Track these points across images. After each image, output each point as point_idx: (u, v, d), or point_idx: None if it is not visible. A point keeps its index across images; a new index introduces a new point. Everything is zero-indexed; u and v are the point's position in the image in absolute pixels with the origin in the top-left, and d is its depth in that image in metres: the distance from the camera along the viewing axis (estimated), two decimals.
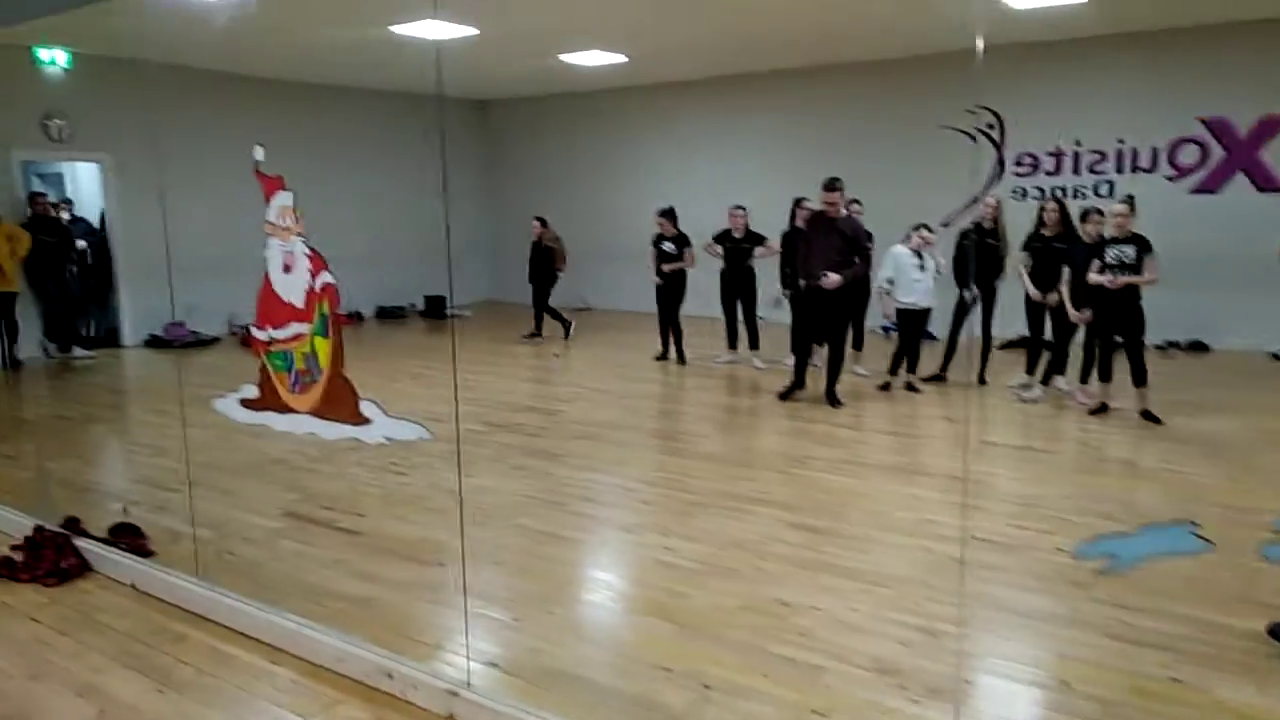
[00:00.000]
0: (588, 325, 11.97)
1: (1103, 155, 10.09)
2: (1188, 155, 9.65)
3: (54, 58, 9.64)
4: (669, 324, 9.22)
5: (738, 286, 8.82)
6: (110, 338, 10.48)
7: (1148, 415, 6.51)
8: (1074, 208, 7.59)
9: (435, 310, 13.05)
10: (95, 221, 10.93)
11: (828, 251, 7.00)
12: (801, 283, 7.26)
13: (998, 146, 10.65)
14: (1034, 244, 7.37)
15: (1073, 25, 9.11)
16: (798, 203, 8.23)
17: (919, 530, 4.40)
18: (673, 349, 9.22)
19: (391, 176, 13.06)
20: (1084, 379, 7.11)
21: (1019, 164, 10.55)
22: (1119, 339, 6.64)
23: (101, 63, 9.91)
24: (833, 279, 6.93)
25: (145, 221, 10.18)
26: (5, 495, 5.02)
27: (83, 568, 4.19)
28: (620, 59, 10.41)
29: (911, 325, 7.71)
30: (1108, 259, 6.56)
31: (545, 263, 10.83)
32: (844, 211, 7.07)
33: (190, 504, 4.41)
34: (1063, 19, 8.71)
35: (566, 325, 10.88)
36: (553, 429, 6.65)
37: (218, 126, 10.84)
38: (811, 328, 7.37)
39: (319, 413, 3.20)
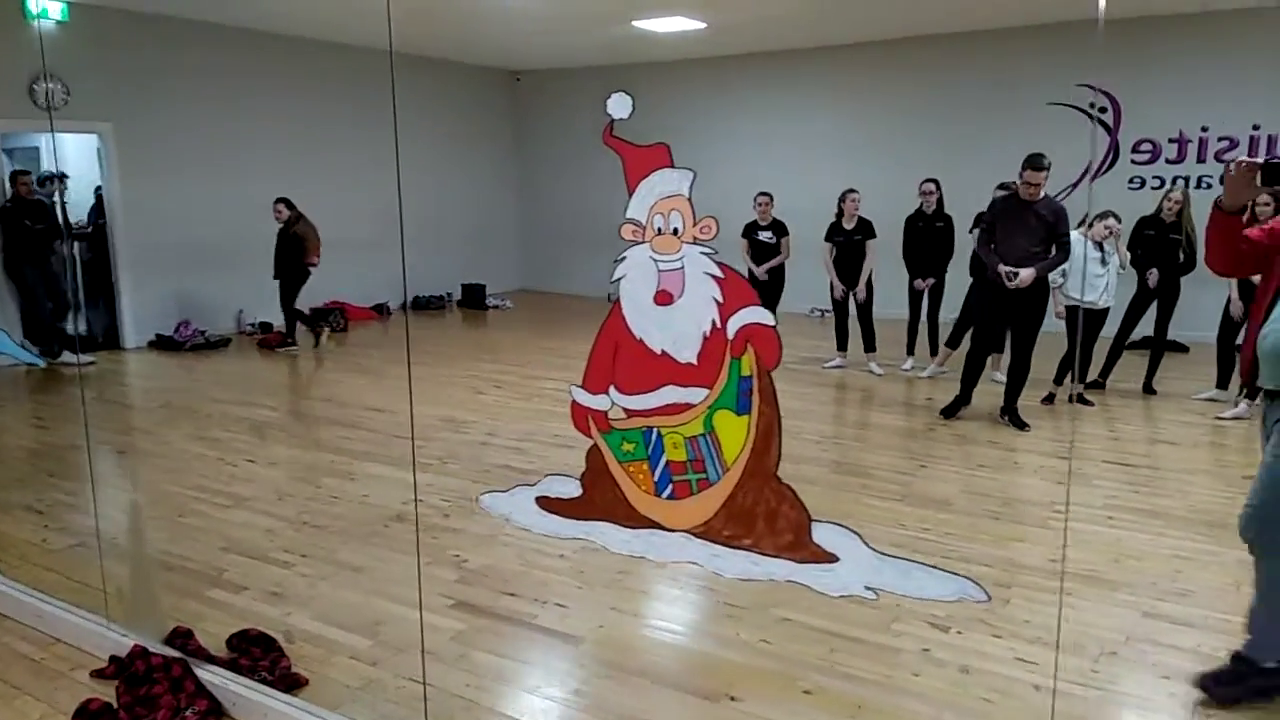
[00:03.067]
0: None
1: (1233, 142, 9.14)
2: None
3: (45, 8, 8.04)
4: None
5: (849, 281, 7.69)
6: (110, 338, 8.95)
7: None
8: (1202, 200, 6.65)
9: (473, 300, 11.70)
10: (85, 203, 9.39)
11: (1024, 241, 5.89)
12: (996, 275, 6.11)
13: (1110, 131, 9.65)
14: (1146, 232, 6.92)
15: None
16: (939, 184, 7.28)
17: None
18: None
19: (426, 154, 11.66)
20: None
21: (1136, 150, 9.56)
22: None
23: (101, 14, 8.35)
24: (1026, 274, 5.82)
25: (150, 203, 8.70)
26: (46, 577, 3.69)
27: (214, 712, 2.89)
28: (699, 25, 9.13)
29: (1088, 328, 6.68)
30: None
31: (293, 254, 8.84)
32: (1043, 194, 5.94)
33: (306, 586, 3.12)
34: None
35: (316, 334, 9.18)
36: None
37: (230, 91, 9.36)
38: (995, 331, 6.26)
39: (715, 533, 1.96)
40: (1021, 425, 6.11)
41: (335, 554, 4.10)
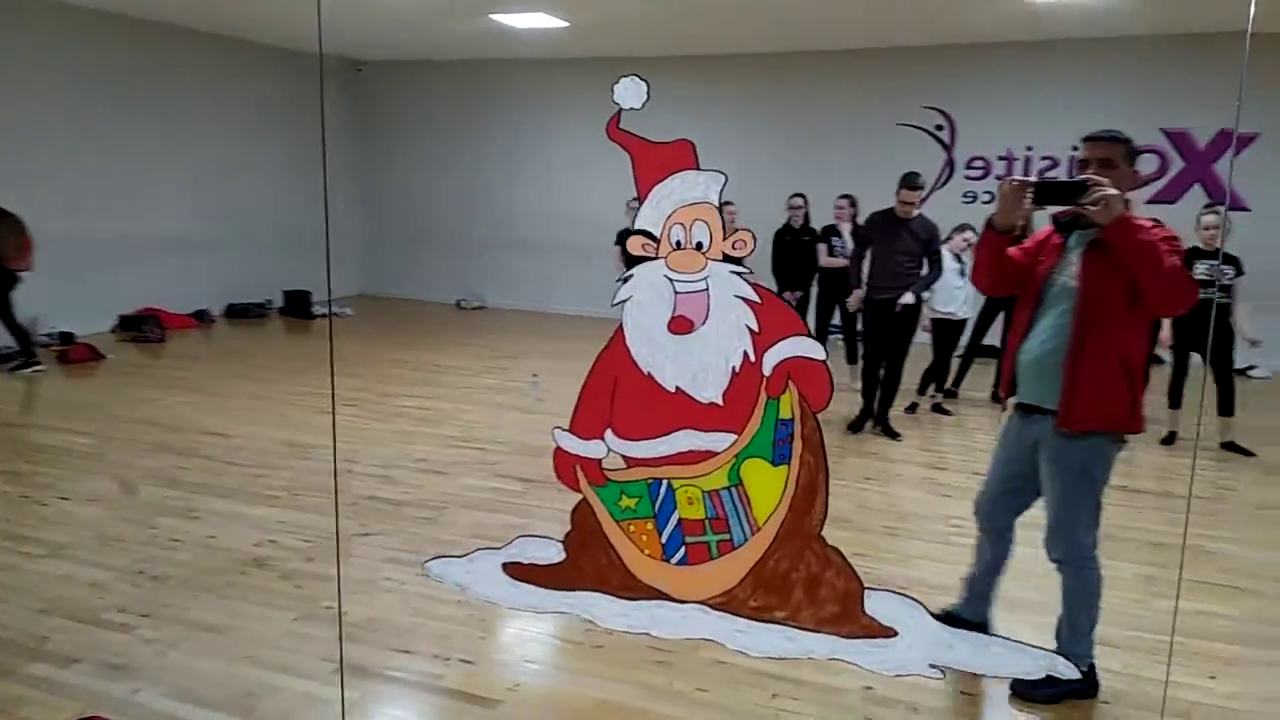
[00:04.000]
0: (512, 328, 10.27)
1: (1055, 162, 9.73)
2: (1146, 165, 9.43)
3: None
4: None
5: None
6: None
7: (1233, 447, 6.01)
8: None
9: (298, 308, 10.78)
10: None
11: (900, 258, 5.96)
12: (861, 295, 6.18)
13: (947, 148, 10.07)
14: None
15: (1028, 29, 8.68)
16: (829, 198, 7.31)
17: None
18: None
19: (245, 146, 10.71)
20: None
21: (970, 166, 10.00)
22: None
23: None
24: (907, 298, 5.93)
25: None
26: None
27: None
28: (561, 24, 8.78)
29: (947, 337, 6.91)
30: (1199, 274, 6.02)
31: None
32: (916, 211, 6.01)
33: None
34: (1015, 21, 8.21)
35: (27, 349, 7.42)
36: None
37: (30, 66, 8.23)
38: (880, 345, 6.29)
39: (739, 604, 1.65)
40: (894, 435, 6.17)
41: (185, 611, 3.49)
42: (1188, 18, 8.22)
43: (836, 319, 7.31)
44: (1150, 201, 9.34)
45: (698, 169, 1.60)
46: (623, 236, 7.64)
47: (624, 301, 1.63)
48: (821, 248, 7.26)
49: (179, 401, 6.64)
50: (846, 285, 6.52)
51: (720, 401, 1.59)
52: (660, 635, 1.72)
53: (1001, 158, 9.92)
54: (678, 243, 1.58)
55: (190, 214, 9.94)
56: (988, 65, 9.66)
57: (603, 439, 1.71)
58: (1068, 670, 1.49)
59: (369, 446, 5.68)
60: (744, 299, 1.56)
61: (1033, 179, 2.44)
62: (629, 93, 1.58)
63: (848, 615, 1.56)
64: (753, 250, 1.55)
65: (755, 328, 1.56)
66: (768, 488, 1.59)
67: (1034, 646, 1.52)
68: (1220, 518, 4.89)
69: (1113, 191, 2.34)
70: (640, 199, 1.58)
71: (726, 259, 1.57)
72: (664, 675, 3.10)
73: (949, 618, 2.75)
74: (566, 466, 1.74)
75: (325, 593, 3.67)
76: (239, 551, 4.05)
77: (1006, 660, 1.52)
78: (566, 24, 8.71)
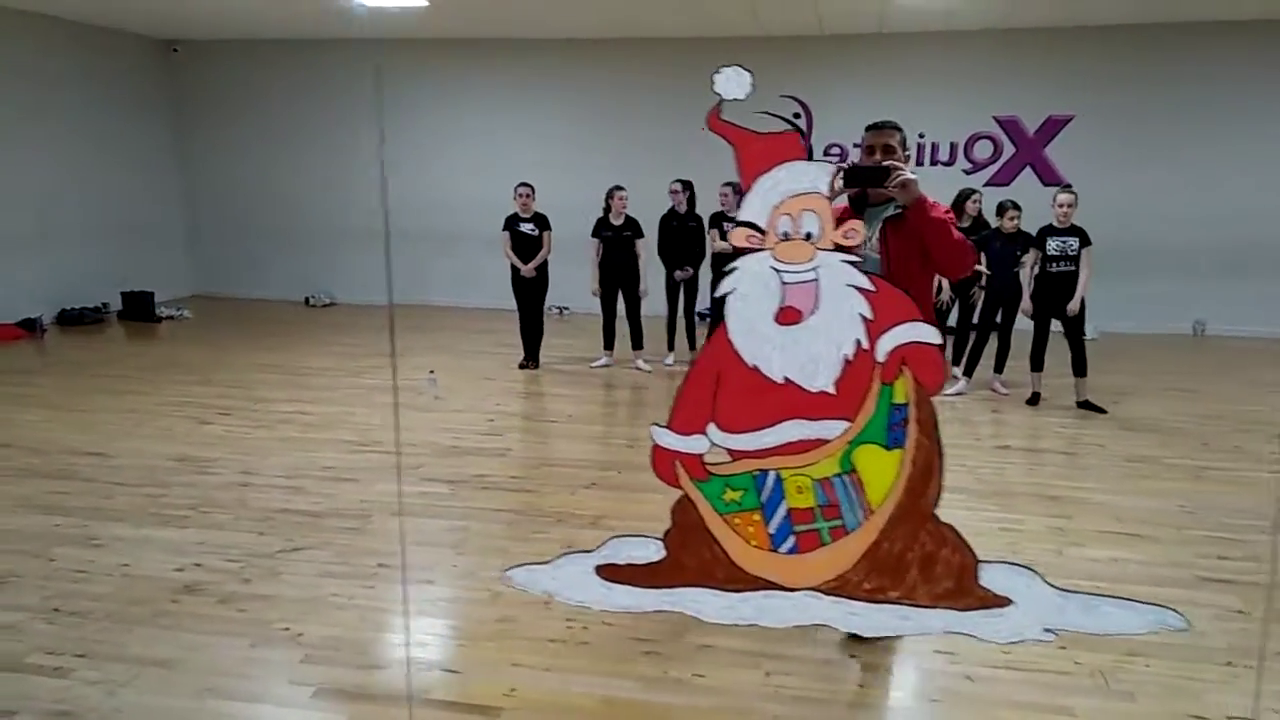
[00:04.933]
0: (370, 323, 9.84)
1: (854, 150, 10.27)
2: (982, 150, 10.14)
3: None
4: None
5: (614, 279, 7.64)
6: None
7: (1089, 405, 6.58)
8: None
9: (139, 310, 9.98)
10: None
11: None
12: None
13: (804, 135, 10.42)
14: None
15: (874, 21, 9.17)
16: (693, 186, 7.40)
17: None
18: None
19: (67, 131, 9.80)
20: (999, 369, 7.09)
21: (827, 154, 10.43)
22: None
23: None
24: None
25: None
26: None
27: None
28: (421, 4, 8.50)
29: None
30: (1050, 249, 6.57)
31: None
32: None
33: None
34: (867, 17, 8.68)
35: None
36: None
37: None
38: None
39: (852, 588, 1.68)
40: None
41: (123, 648, 3.19)
42: (1020, 13, 8.88)
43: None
44: (986, 185, 10.05)
45: (807, 157, 1.60)
46: (510, 223, 7.57)
47: (727, 295, 1.62)
48: (714, 233, 7.40)
49: (34, 420, 6.03)
50: None
51: (832, 390, 1.62)
52: (768, 625, 1.73)
53: (856, 145, 10.37)
54: (785, 234, 1.58)
55: (5, 210, 9.01)
56: (841, 56, 10.08)
57: (704, 433, 1.69)
58: (1176, 622, 1.62)
59: (262, 457, 5.36)
60: (857, 287, 1.59)
61: (844, 165, 2.62)
62: (731, 83, 1.57)
63: (963, 589, 1.63)
64: (862, 241, 1.57)
65: (869, 315, 1.59)
66: (882, 472, 1.63)
67: (1143, 603, 1.64)
68: (1097, 471, 5.34)
69: (912, 175, 2.56)
70: (743, 190, 1.57)
71: (838, 249, 1.58)
72: (657, 665, 3.11)
73: None
74: (666, 463, 1.71)
75: (272, 614, 3.45)
76: (161, 579, 3.74)
77: (1117, 618, 1.63)
78: (426, 3, 8.43)
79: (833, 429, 1.63)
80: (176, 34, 11.03)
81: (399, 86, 10.81)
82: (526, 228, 7.62)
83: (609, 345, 7.82)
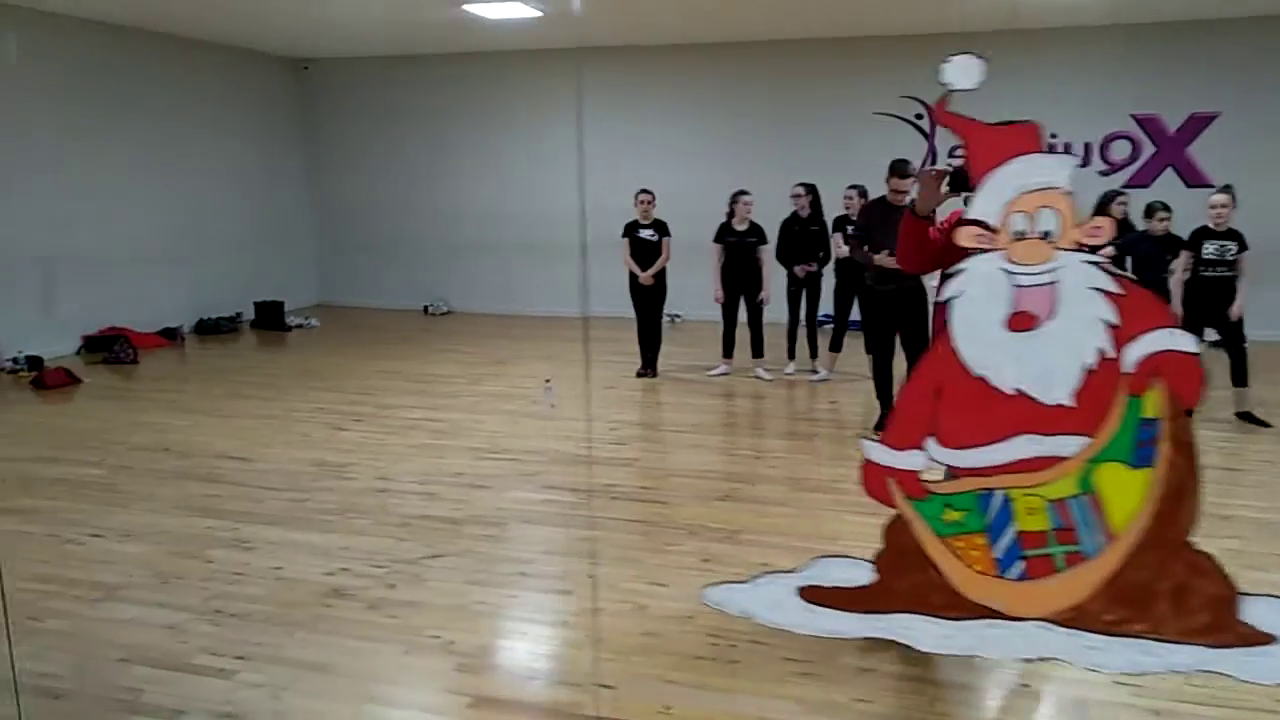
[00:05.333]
0: (486, 332, 9.98)
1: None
2: (1119, 151, 9.66)
3: None
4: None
5: (737, 286, 7.51)
6: None
7: (1249, 417, 6.16)
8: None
9: (270, 319, 10.36)
10: None
11: (895, 244, 5.90)
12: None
13: (928, 136, 10.15)
14: None
15: (1003, 18, 8.80)
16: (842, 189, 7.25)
17: None
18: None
19: (203, 149, 10.26)
20: None
21: (952, 155, 10.08)
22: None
23: None
24: (884, 257, 5.74)
25: None
26: None
27: None
28: (534, 13, 8.57)
29: None
30: (1207, 253, 6.17)
31: None
32: (909, 199, 5.96)
33: None
34: (996, 13, 8.30)
35: None
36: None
37: None
38: (887, 336, 6.19)
39: (1090, 619, 1.54)
40: None
41: (282, 650, 3.24)
42: (1158, 6, 8.42)
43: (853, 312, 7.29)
44: (1126, 186, 9.55)
45: (1047, 151, 1.47)
46: (630, 229, 7.55)
47: (952, 299, 1.50)
48: (838, 237, 7.22)
49: (182, 424, 6.27)
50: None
51: (1070, 402, 1.48)
52: (991, 656, 1.61)
53: None
54: (1020, 233, 1.46)
55: (149, 226, 9.46)
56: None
57: (921, 449, 1.58)
58: None
59: (395, 463, 5.44)
60: (1102, 290, 1.45)
61: (950, 167, 2.52)
62: (961, 72, 1.46)
63: (1220, 624, 1.47)
64: (1109, 239, 1.43)
65: (1115, 321, 1.45)
66: (1127, 493, 1.49)
67: None
68: (1269, 489, 4.96)
69: None
70: (972, 185, 1.45)
71: (1080, 248, 1.45)
72: (816, 688, 2.98)
73: None
74: (878, 480, 1.61)
75: (422, 621, 3.46)
76: (312, 582, 3.80)
77: None
78: (540, 13, 8.50)
79: (1070, 445, 1.50)
80: (307, 53, 11.44)
81: (506, 96, 10.95)
82: (646, 234, 7.58)
83: (728, 353, 7.71)
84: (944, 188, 2.53)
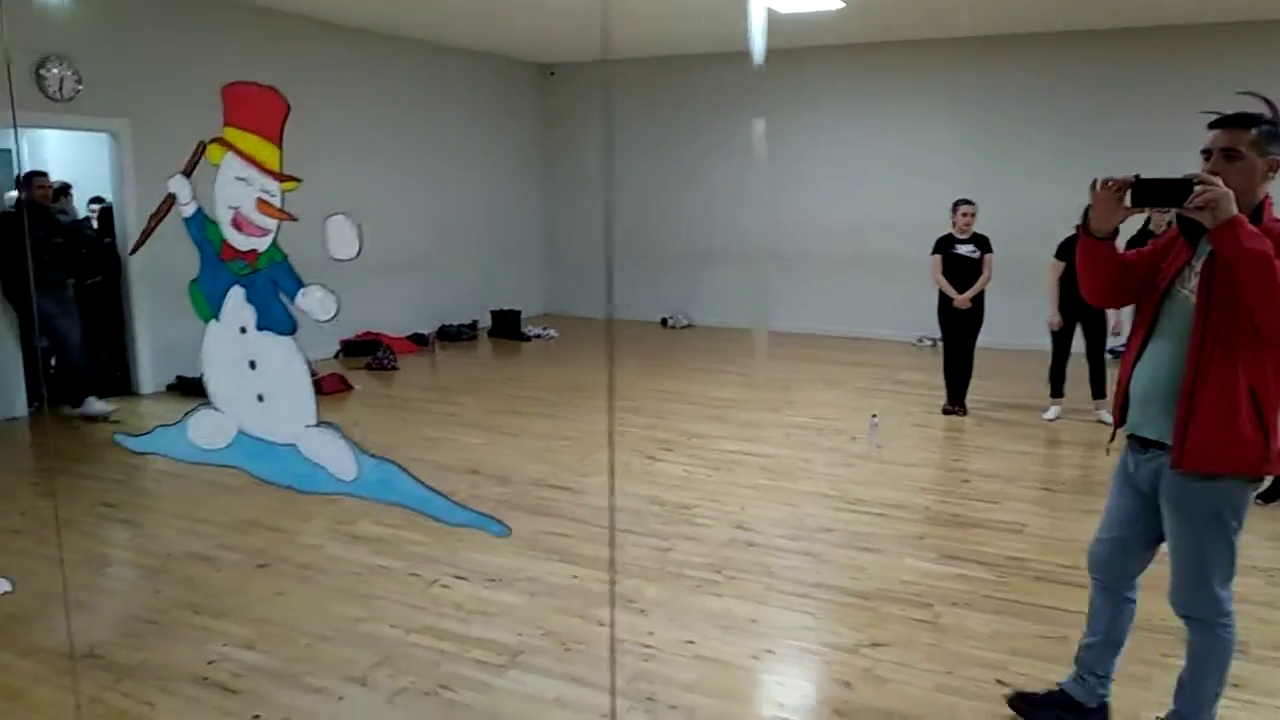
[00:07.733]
0: (741, 349, 9.21)
1: None
2: None
3: None
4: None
5: (1078, 309, 6.48)
6: (121, 381, 6.97)
7: None
8: None
9: (507, 328, 9.98)
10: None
11: None
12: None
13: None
14: None
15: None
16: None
17: None
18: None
19: (449, 155, 9.99)
20: None
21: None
22: None
23: None
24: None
25: (172, 218, 6.73)
26: None
27: None
28: (837, 5, 7.77)
29: None
30: None
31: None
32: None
33: None
34: None
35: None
36: None
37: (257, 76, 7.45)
38: None
39: None
40: None
41: None
42: None
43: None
44: None
45: None
46: (944, 244, 6.64)
47: None
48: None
49: (475, 442, 5.76)
50: None
51: None
52: None
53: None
54: None
55: (410, 231, 9.21)
56: (1208, 45, 8.33)
57: None
58: None
59: (744, 507, 4.71)
60: None
61: (1131, 177, 2.13)
62: None
63: None
64: None
65: None
66: None
67: None
68: None
69: (1221, 191, 2.01)
70: None
71: None
72: None
73: (1056, 697, 2.69)
74: None
75: None
76: (739, 667, 3.07)
77: None
78: (843, 4, 7.69)
79: None
80: (553, 58, 11.06)
81: (752, 99, 10.18)
82: (965, 249, 6.67)
83: (1058, 391, 6.67)
84: (1126, 201, 2.20)
